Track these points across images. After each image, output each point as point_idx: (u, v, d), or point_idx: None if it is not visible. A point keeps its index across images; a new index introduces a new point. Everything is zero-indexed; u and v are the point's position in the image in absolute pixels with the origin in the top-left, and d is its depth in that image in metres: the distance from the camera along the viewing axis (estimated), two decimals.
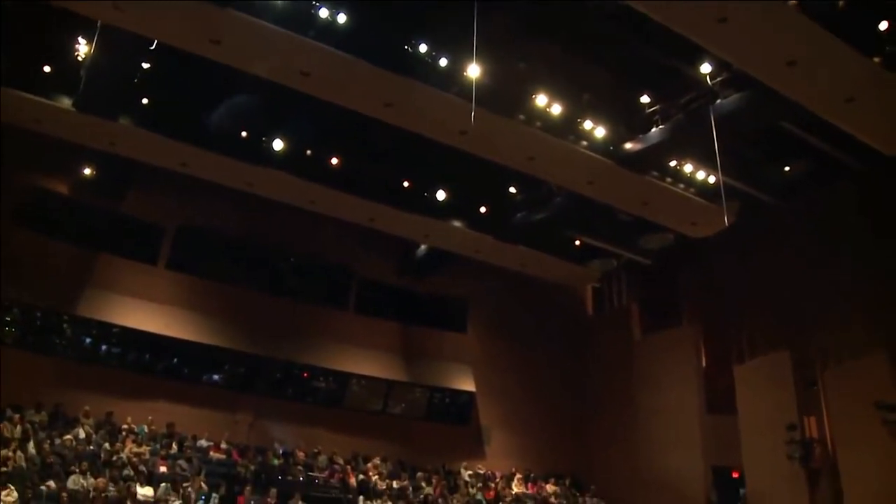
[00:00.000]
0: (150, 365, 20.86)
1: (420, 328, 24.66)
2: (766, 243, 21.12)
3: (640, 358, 24.43)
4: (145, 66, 16.06)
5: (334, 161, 19.33)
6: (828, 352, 19.53)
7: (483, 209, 21.21)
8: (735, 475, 21.23)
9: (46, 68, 16.25)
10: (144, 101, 17.27)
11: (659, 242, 22.11)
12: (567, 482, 23.23)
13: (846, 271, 18.92)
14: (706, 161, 17.62)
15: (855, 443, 17.94)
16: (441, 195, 20.48)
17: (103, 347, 20.49)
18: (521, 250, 22.33)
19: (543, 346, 25.82)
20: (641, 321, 25.26)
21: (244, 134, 18.41)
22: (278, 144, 18.43)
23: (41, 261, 18.25)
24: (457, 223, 21.20)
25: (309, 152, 19.13)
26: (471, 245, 22.07)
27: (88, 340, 20.32)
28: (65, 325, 19.98)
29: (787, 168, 19.40)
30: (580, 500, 21.55)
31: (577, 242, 23.43)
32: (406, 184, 20.45)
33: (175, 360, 21.27)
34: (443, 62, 15.11)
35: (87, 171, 19.98)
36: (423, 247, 23.72)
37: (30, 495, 11.75)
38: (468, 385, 24.50)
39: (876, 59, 13.45)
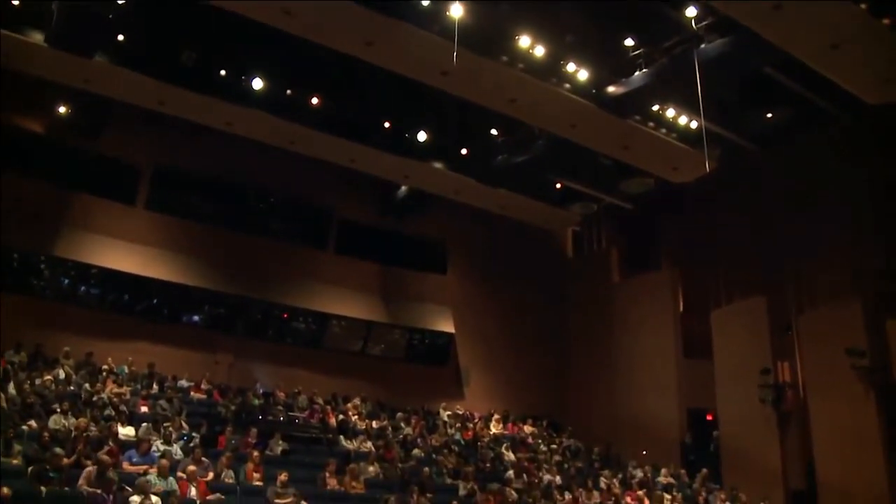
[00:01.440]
0: (129, 306, 20.80)
1: (400, 269, 24.68)
2: (746, 190, 21.25)
3: (619, 301, 24.65)
4: (120, 1, 15.61)
5: (314, 101, 19.07)
6: (803, 298, 19.85)
7: (464, 151, 21.09)
8: (709, 418, 21.70)
9: (16, 1, 15.75)
10: (120, 37, 16.87)
11: (639, 187, 22.12)
12: (544, 423, 23.58)
13: (824, 219, 19.11)
14: (689, 106, 17.53)
15: (825, 387, 18.37)
16: (422, 136, 20.32)
17: (82, 288, 20.38)
18: (502, 193, 22.29)
19: (522, 288, 25.94)
20: (620, 265, 25.44)
21: (223, 72, 18.11)
22: (258, 83, 18.15)
23: (16, 201, 17.95)
24: (437, 165, 21.09)
25: (289, 92, 18.86)
26: (451, 187, 22.00)
27: (67, 281, 20.19)
28: (42, 266, 19.82)
29: (769, 115, 19.36)
30: (557, 440, 21.90)
31: (558, 185, 23.42)
32: (387, 124, 20.26)
33: (154, 300, 21.21)
34: (425, 1, 14.82)
35: (62, 110, 19.57)
36: (403, 188, 23.60)
37: (11, 435, 11.76)
38: (447, 326, 24.66)
39: (862, 6, 13.35)
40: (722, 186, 21.06)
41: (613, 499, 16.40)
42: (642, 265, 24.75)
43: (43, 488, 10.25)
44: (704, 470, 19.48)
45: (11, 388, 14.04)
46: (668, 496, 17.09)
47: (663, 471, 19.28)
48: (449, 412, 22.05)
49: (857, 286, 18.25)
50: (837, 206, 18.89)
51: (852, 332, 17.73)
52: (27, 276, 19.54)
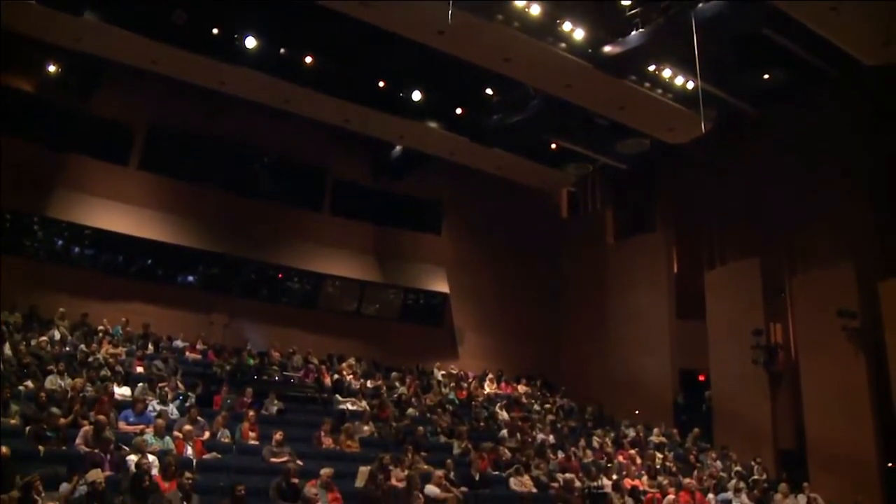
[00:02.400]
0: (123, 266, 20.82)
1: (395, 230, 24.69)
2: (741, 151, 21.19)
3: (613, 262, 24.71)
4: None
5: (308, 60, 18.90)
6: (796, 260, 19.93)
7: (459, 111, 20.97)
8: (701, 378, 21.88)
9: None
10: None
11: (635, 148, 22.06)
12: (538, 383, 23.75)
13: (819, 181, 19.10)
14: (685, 66, 17.42)
15: (816, 348, 18.52)
16: (417, 96, 20.20)
17: (76, 249, 20.36)
18: (497, 153, 22.21)
19: (517, 249, 25.99)
20: (615, 226, 25.46)
21: (215, 31, 17.90)
22: (251, 42, 17.96)
23: (8, 162, 17.83)
24: (432, 124, 20.98)
25: (282, 51, 18.68)
26: (446, 147, 21.91)
27: (60, 242, 20.17)
28: (36, 227, 19.76)
29: (766, 76, 19.25)
30: (551, 400, 22.08)
31: (553, 146, 23.34)
32: (381, 84, 20.11)
33: (149, 261, 21.21)
34: None
35: (53, 69, 19.37)
36: (398, 148, 23.48)
37: (8, 395, 11.82)
38: (442, 286, 24.74)
39: None
40: (717, 148, 20.99)
41: (606, 457, 16.59)
42: (637, 226, 24.78)
43: (41, 447, 10.34)
44: (696, 429, 19.75)
45: (7, 349, 14.07)
46: (659, 455, 17.32)
47: (655, 430, 19.52)
48: (443, 372, 22.19)
49: (850, 248, 18.33)
50: (832, 169, 18.87)
51: (844, 294, 17.83)
52: (20, 238, 19.48)
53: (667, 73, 18.18)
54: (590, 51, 17.09)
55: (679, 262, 23.39)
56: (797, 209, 19.57)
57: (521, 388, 22.69)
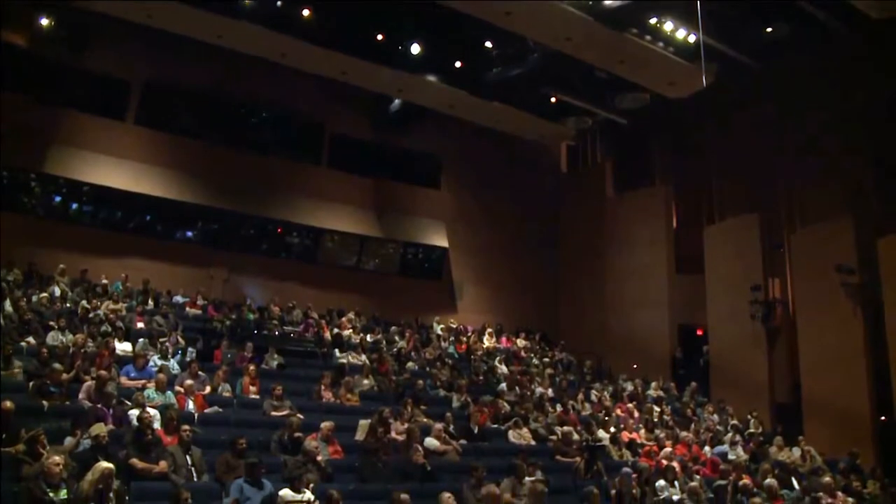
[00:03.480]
0: (122, 222, 20.79)
1: (393, 184, 24.61)
2: (742, 106, 21.01)
3: (612, 217, 24.68)
4: None
5: (306, 13, 18.67)
6: (795, 216, 19.90)
7: (458, 64, 20.77)
8: (699, 333, 22.00)
9: None
10: None
11: (635, 102, 21.88)
12: (537, 337, 23.86)
13: (819, 137, 18.96)
14: (687, 19, 17.23)
15: (814, 304, 18.59)
16: (415, 49, 19.98)
17: (74, 205, 20.33)
18: (496, 106, 22.07)
19: (516, 203, 25.94)
20: (614, 180, 25.36)
21: None
22: None
23: (3, 118, 17.67)
24: (431, 78, 20.81)
25: (279, 3, 18.45)
26: (445, 100, 21.77)
27: (58, 199, 20.12)
28: (33, 184, 19.68)
29: (768, 29, 19.00)
30: (549, 354, 22.20)
31: (553, 100, 23.15)
32: (380, 37, 19.89)
33: (147, 217, 21.17)
34: None
35: (45, 23, 19.10)
36: (396, 101, 23.31)
37: (10, 351, 11.89)
38: (441, 241, 24.76)
39: None
40: (718, 102, 20.82)
41: (604, 411, 16.69)
42: (636, 181, 24.69)
43: (45, 402, 10.41)
44: (693, 383, 19.88)
45: (8, 306, 14.11)
46: (657, 408, 17.45)
47: (653, 384, 19.64)
48: (443, 326, 22.28)
49: (849, 204, 18.28)
50: (833, 125, 18.74)
51: (843, 250, 17.85)
52: (18, 194, 19.41)
53: (668, 26, 18.00)
54: (590, 3, 16.93)
55: (678, 217, 23.39)
56: (797, 165, 19.51)
57: (520, 342, 22.80)
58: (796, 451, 15.63)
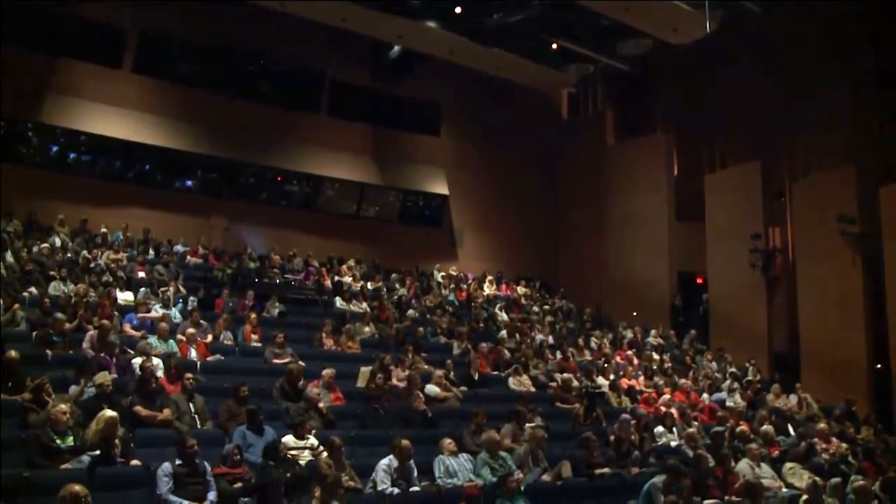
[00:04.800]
0: (121, 172, 20.71)
1: (393, 131, 24.43)
2: (746, 54, 20.75)
3: (613, 164, 24.55)
4: None
5: None
6: (797, 164, 19.82)
7: (458, 10, 20.45)
8: (699, 281, 22.07)
9: None
10: None
11: (637, 48, 21.58)
12: (537, 285, 23.95)
13: (822, 85, 18.76)
14: None
15: (814, 253, 18.60)
16: None
17: (72, 155, 20.20)
18: (497, 53, 21.75)
19: (517, 150, 25.75)
20: (615, 128, 25.18)
21: None
22: None
23: None
24: (431, 24, 20.48)
25: None
26: (445, 47, 21.46)
27: (56, 149, 19.99)
28: (30, 134, 19.55)
29: None
30: (549, 301, 22.30)
31: (554, 46, 22.84)
32: None
33: (147, 166, 21.09)
34: None
35: None
36: (396, 48, 23.01)
37: (13, 302, 11.96)
38: (441, 188, 24.70)
39: None
40: (721, 50, 20.55)
41: (604, 358, 16.81)
42: (638, 128, 24.52)
43: (49, 351, 10.52)
44: (693, 331, 20.00)
45: (9, 256, 14.14)
46: (656, 356, 17.57)
47: (653, 332, 19.76)
48: (443, 273, 22.34)
49: (852, 153, 18.18)
50: (837, 73, 18.53)
51: (845, 200, 17.80)
52: (15, 144, 19.27)
53: None
54: None
55: (679, 165, 23.28)
56: (799, 112, 19.33)
57: (521, 290, 22.89)
58: (793, 399, 15.79)
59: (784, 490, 10.22)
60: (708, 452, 10.49)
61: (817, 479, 10.02)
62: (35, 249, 15.34)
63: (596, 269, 24.07)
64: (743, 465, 10.49)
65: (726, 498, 9.43)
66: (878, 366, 17.28)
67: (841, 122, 18.43)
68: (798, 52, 19.36)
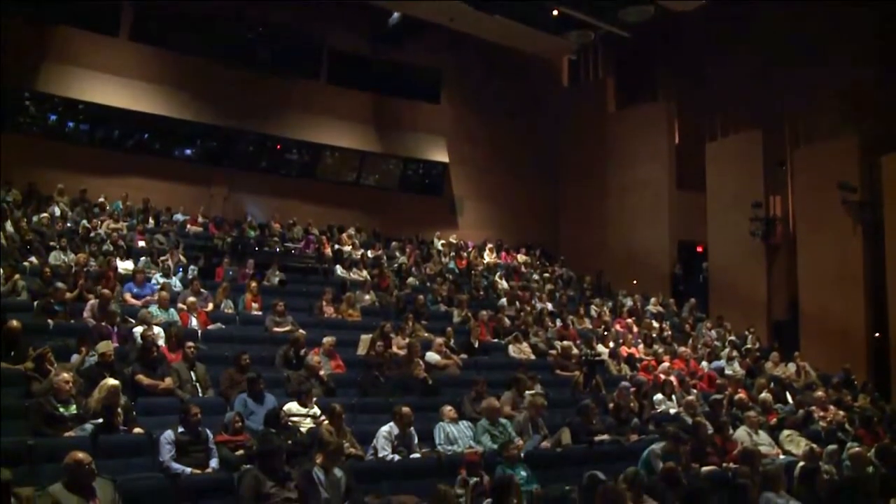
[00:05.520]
0: (120, 141, 20.65)
1: (393, 99, 24.27)
2: (748, 21, 20.51)
3: (614, 132, 24.42)
4: None
5: None
6: (799, 133, 19.70)
7: None
8: (699, 249, 22.05)
9: None
10: None
11: (639, 15, 21.29)
12: (537, 253, 23.97)
13: (824, 53, 18.55)
14: None
15: (815, 221, 18.57)
16: None
17: (70, 124, 20.12)
18: (497, 19, 21.52)
19: (517, 118, 25.61)
20: (616, 95, 25.03)
21: None
22: None
23: None
24: None
25: None
26: (445, 13, 21.23)
27: (54, 118, 19.89)
28: (27, 103, 19.44)
29: None
30: (550, 269, 22.33)
31: (555, 12, 22.62)
32: None
33: (146, 135, 21.02)
34: None
35: None
36: (395, 14, 22.80)
37: (14, 271, 11.97)
38: (441, 156, 24.61)
39: None
40: (723, 16, 20.33)
41: (603, 326, 16.86)
42: (639, 96, 24.37)
43: (50, 321, 10.55)
44: (692, 299, 20.02)
45: (9, 226, 14.13)
46: (656, 324, 17.62)
47: (653, 300, 19.79)
48: (443, 241, 22.35)
49: (854, 121, 18.08)
50: (839, 41, 18.33)
51: (846, 168, 17.73)
52: (12, 114, 19.15)
53: None
54: None
55: (680, 133, 23.15)
56: (801, 81, 19.15)
57: (521, 258, 22.92)
58: (791, 367, 15.88)
59: (781, 457, 10.28)
60: (706, 420, 10.55)
61: (814, 446, 10.12)
62: (35, 219, 15.34)
63: (596, 237, 24.05)
64: (741, 433, 10.57)
65: (724, 465, 9.50)
66: (877, 334, 17.34)
67: (843, 90, 18.28)
68: (801, 21, 19.14)
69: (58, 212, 16.55)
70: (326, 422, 8.37)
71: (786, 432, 11.10)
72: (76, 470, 5.66)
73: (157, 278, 13.63)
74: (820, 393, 13.61)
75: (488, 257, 22.06)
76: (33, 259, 13.33)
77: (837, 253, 17.79)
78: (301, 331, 11.71)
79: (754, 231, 19.37)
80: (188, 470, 7.08)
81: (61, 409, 7.46)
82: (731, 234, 20.06)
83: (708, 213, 21.14)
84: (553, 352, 14.32)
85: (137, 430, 7.72)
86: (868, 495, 8.49)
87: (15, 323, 8.94)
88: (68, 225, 16.05)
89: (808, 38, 18.89)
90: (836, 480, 9.03)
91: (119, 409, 7.62)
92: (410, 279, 17.71)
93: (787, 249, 19.55)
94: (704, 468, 9.23)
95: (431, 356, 12.14)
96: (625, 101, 24.81)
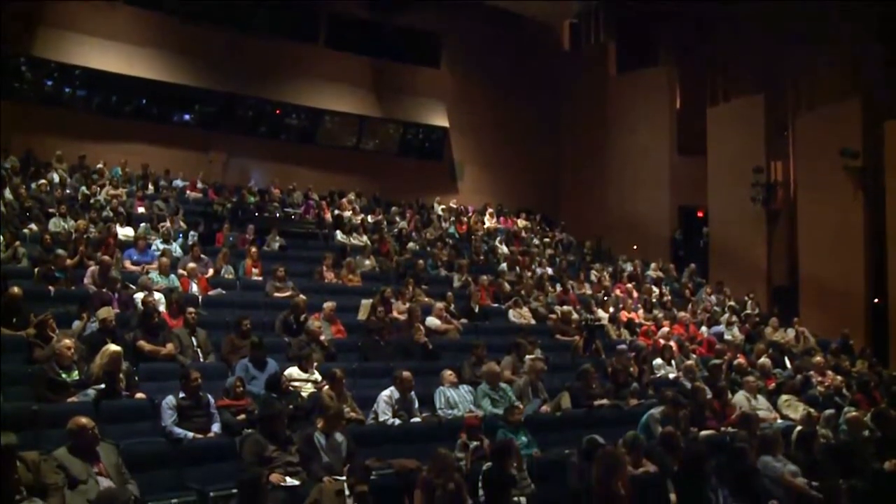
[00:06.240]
0: (118, 106, 20.56)
1: (393, 63, 24.10)
2: None
3: (615, 97, 24.25)
4: None
5: None
6: (802, 98, 19.54)
7: None
8: (700, 214, 22.02)
9: None
10: None
11: None
12: (538, 218, 23.94)
13: (827, 18, 18.38)
14: None
15: (816, 187, 18.49)
16: None
17: (67, 90, 19.98)
18: None
19: (518, 82, 25.41)
20: (617, 60, 24.77)
21: None
22: None
23: None
24: None
25: None
26: None
27: (50, 83, 19.76)
28: (23, 68, 19.27)
29: None
30: (550, 234, 22.32)
31: None
32: None
33: (143, 100, 20.92)
34: None
35: None
36: None
37: (14, 238, 11.97)
38: (441, 121, 24.52)
39: None
40: None
41: (603, 291, 16.90)
42: (640, 60, 24.12)
43: (51, 287, 10.56)
44: (692, 265, 20.01)
45: (8, 193, 14.09)
46: (656, 289, 17.65)
47: (653, 265, 19.76)
48: (443, 206, 22.34)
49: (857, 86, 17.93)
50: (842, 5, 18.15)
51: (849, 134, 17.59)
52: (8, 80, 18.94)
53: None
54: None
55: (682, 98, 22.97)
56: (804, 46, 18.98)
57: (521, 223, 22.89)
58: (790, 332, 15.93)
59: (779, 421, 10.36)
60: (705, 385, 10.61)
61: (812, 410, 10.18)
62: (34, 186, 15.28)
63: (596, 202, 24.00)
64: (739, 397, 10.64)
65: (722, 429, 9.58)
66: (876, 300, 17.37)
67: (846, 55, 18.12)
68: None
69: (56, 178, 16.49)
70: (327, 386, 8.42)
71: (784, 397, 11.17)
72: (80, 435, 5.71)
73: (157, 244, 13.61)
74: (818, 358, 13.66)
75: (488, 222, 22.03)
76: (33, 226, 13.32)
77: (838, 219, 17.74)
78: (301, 296, 11.73)
79: (755, 196, 19.30)
80: (190, 434, 7.13)
81: (63, 375, 7.50)
82: (732, 199, 19.98)
83: (709, 179, 21.06)
84: (553, 316, 14.33)
85: (139, 395, 7.77)
86: (864, 459, 8.58)
87: (16, 290, 8.96)
88: (67, 192, 16.00)
89: (811, 2, 18.69)
90: (832, 444, 9.12)
91: (121, 375, 7.67)
92: (410, 244, 17.69)
93: (787, 215, 19.51)
94: (703, 432, 9.32)
95: (432, 321, 12.17)
96: (626, 66, 24.56)
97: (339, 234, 17.29)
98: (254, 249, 14.13)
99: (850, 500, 7.39)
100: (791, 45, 19.23)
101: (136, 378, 8.11)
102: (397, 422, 8.35)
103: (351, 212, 19.39)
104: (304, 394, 8.46)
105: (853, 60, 18.05)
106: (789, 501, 6.94)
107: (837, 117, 17.96)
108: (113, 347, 7.75)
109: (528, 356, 10.69)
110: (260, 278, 13.41)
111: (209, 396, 7.59)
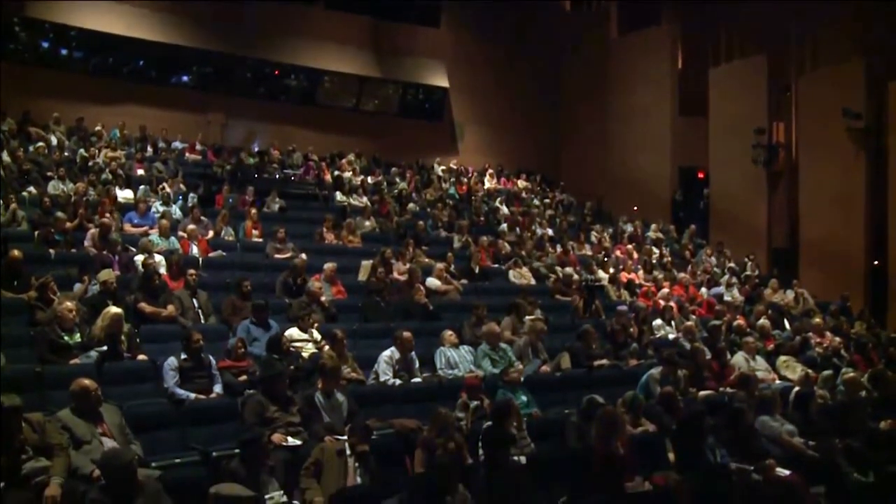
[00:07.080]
0: (115, 68, 20.34)
1: (392, 23, 23.79)
2: None
3: (616, 57, 24.02)
4: None
5: None
6: (805, 58, 19.34)
7: None
8: (700, 175, 21.93)
9: None
10: None
11: None
12: (538, 178, 23.88)
13: None
14: None
15: (818, 148, 18.37)
16: None
17: (63, 51, 19.79)
18: None
19: (518, 42, 25.18)
20: (619, 20, 24.50)
21: None
22: None
23: None
24: None
25: None
26: None
27: (46, 45, 19.56)
28: (17, 29, 19.05)
29: None
30: (550, 195, 22.28)
31: None
32: None
33: (141, 62, 20.73)
34: None
35: None
36: None
37: (13, 201, 11.95)
38: (441, 81, 24.30)
39: None
40: None
41: (603, 252, 16.89)
42: (642, 20, 23.78)
43: (51, 250, 10.59)
44: (693, 226, 19.96)
45: (6, 156, 14.04)
46: (656, 250, 17.66)
47: (653, 226, 19.75)
48: (443, 167, 22.30)
49: (860, 47, 17.75)
50: None
51: (851, 94, 17.39)
52: (3, 41, 18.67)
53: None
54: None
55: (683, 58, 22.71)
56: (808, 4, 18.75)
57: (521, 183, 22.86)
58: (790, 294, 15.94)
59: (777, 382, 10.43)
60: (705, 345, 10.66)
61: (810, 371, 10.27)
62: (31, 149, 15.20)
63: (597, 162, 23.91)
64: (738, 358, 10.68)
65: (721, 389, 9.64)
66: (876, 262, 17.38)
67: (849, 16, 17.91)
68: None
69: (54, 141, 16.41)
70: (328, 347, 8.46)
71: (782, 358, 11.24)
72: (83, 396, 5.76)
73: (157, 207, 13.59)
74: (817, 320, 13.72)
75: (489, 183, 22.00)
76: (32, 189, 13.28)
77: (839, 180, 17.65)
78: (302, 256, 11.74)
79: (756, 158, 19.18)
80: (192, 395, 7.19)
81: (66, 338, 7.53)
82: (733, 160, 19.86)
83: (710, 139, 20.91)
84: (553, 277, 14.34)
85: (141, 356, 7.82)
86: (860, 419, 8.66)
87: (16, 252, 8.97)
88: (65, 154, 15.93)
89: None
90: (829, 405, 9.19)
91: (123, 337, 7.71)
92: (410, 205, 17.69)
93: (788, 177, 19.41)
94: (702, 392, 9.38)
95: (432, 282, 12.20)
96: (627, 26, 24.28)
97: (338, 196, 17.26)
98: (253, 211, 14.15)
99: (847, 460, 7.45)
100: (794, 4, 18.99)
101: (138, 340, 8.14)
102: (398, 382, 8.40)
103: (351, 173, 19.33)
104: (304, 354, 8.48)
105: (856, 21, 17.81)
106: (786, 460, 7.00)
107: (840, 78, 17.77)
108: (114, 310, 7.78)
109: (528, 317, 10.69)
110: (260, 240, 13.44)
111: (211, 358, 7.64)
